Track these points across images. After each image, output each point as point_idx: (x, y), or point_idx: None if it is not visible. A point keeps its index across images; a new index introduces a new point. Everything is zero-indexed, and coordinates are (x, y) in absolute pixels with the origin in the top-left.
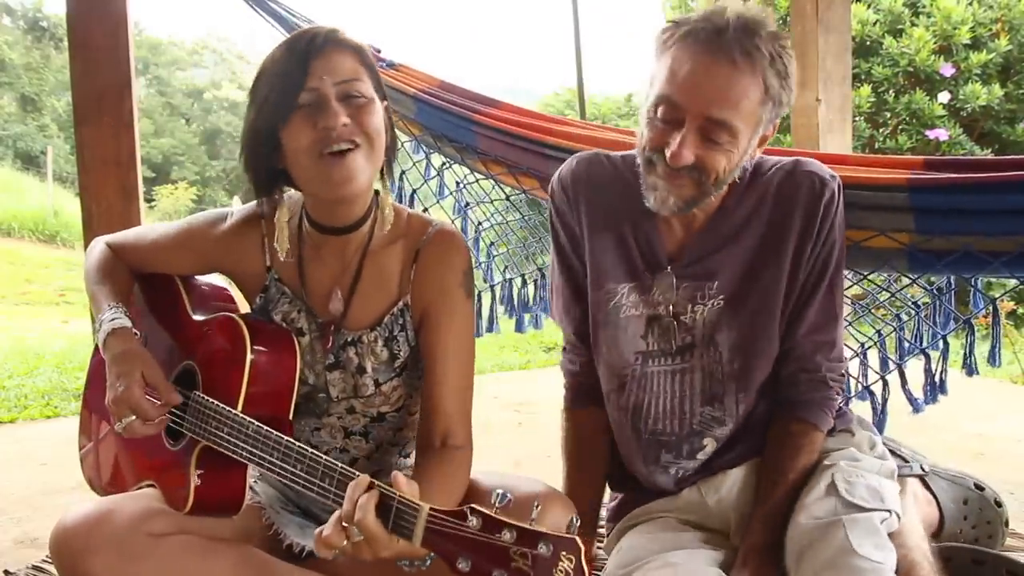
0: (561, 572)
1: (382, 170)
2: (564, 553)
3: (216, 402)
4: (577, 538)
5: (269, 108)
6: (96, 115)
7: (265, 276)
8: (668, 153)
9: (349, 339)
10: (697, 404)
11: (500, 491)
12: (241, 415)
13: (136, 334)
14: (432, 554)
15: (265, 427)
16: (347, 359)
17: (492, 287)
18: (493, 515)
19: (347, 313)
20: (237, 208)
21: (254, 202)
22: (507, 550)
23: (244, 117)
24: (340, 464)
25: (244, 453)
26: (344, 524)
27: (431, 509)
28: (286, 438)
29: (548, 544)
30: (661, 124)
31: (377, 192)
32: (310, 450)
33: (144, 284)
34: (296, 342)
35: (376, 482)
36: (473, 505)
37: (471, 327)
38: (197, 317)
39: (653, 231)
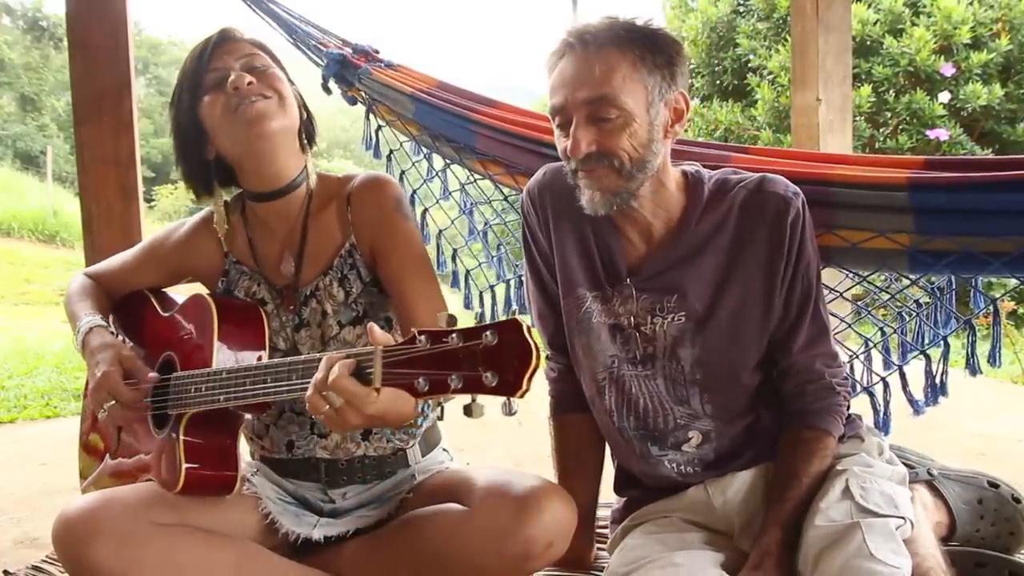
0: (510, 351)
1: (307, 144)
2: (508, 334)
3: (192, 371)
4: (516, 318)
5: (183, 100)
6: (96, 115)
7: (224, 262)
8: (568, 149)
9: (308, 292)
10: (671, 403)
11: (446, 313)
12: (214, 369)
13: (113, 332)
14: (424, 408)
15: (235, 366)
16: (311, 312)
17: (492, 288)
18: (438, 329)
19: (300, 273)
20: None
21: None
22: (456, 352)
23: (169, 108)
24: (301, 357)
25: (222, 398)
26: (323, 393)
27: (383, 347)
28: (252, 364)
29: (492, 332)
30: (561, 133)
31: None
32: (275, 360)
33: (118, 308)
34: (261, 308)
35: (336, 351)
36: (421, 328)
37: (420, 244)
38: (166, 313)
39: (615, 243)
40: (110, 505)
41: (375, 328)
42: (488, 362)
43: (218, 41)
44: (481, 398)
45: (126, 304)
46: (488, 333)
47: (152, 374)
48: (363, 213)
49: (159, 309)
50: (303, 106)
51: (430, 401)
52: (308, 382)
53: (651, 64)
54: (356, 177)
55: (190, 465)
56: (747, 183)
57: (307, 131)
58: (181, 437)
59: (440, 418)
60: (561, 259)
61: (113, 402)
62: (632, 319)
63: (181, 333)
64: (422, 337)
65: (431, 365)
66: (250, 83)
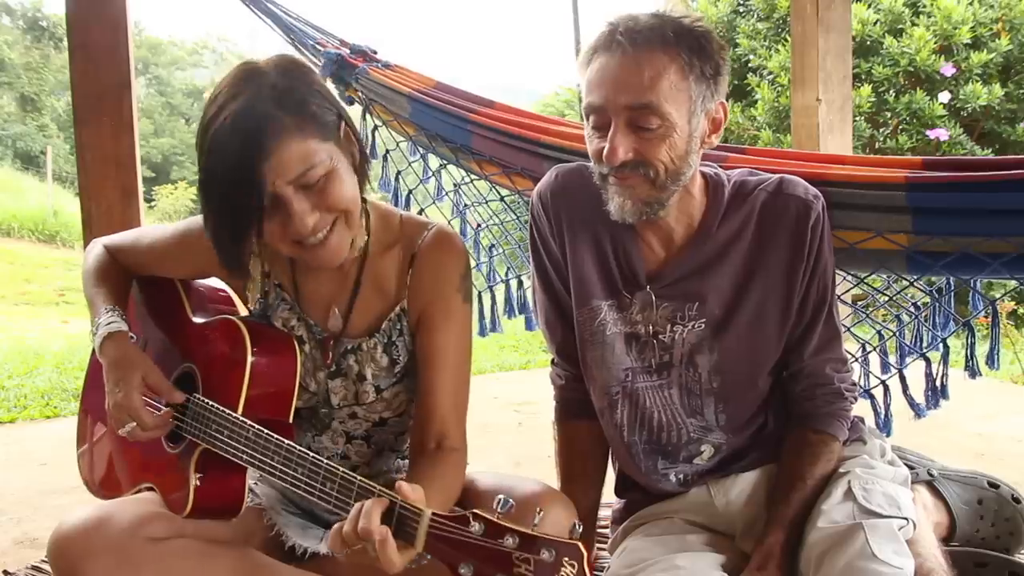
0: None
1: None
2: (567, 559)
3: (216, 405)
4: (579, 544)
5: (228, 215)
6: (96, 115)
7: (264, 283)
8: (604, 155)
9: (349, 347)
10: (684, 416)
11: (502, 496)
12: (241, 418)
13: (133, 338)
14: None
15: (265, 431)
16: (347, 367)
17: (492, 288)
18: (496, 520)
19: (347, 326)
20: None
21: None
22: (510, 555)
23: (200, 194)
24: (341, 468)
25: (244, 456)
26: (360, 543)
27: (433, 514)
28: (287, 442)
29: (551, 549)
30: (595, 134)
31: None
32: (311, 454)
33: (143, 286)
34: (296, 346)
35: (382, 489)
36: (476, 511)
37: (468, 330)
38: (197, 320)
39: (633, 249)
40: (106, 521)
41: (404, 486)
42: None
43: (271, 139)
44: None
45: (152, 286)
46: (545, 549)
47: (168, 406)
48: (423, 281)
49: (188, 309)
50: (356, 141)
51: None
52: (341, 499)
53: (699, 72)
54: (427, 232)
55: (199, 493)
56: (767, 185)
57: (360, 173)
58: (192, 468)
59: None
60: (575, 267)
61: (134, 424)
62: (651, 327)
63: (208, 352)
64: (476, 524)
65: (480, 556)
66: (314, 222)
